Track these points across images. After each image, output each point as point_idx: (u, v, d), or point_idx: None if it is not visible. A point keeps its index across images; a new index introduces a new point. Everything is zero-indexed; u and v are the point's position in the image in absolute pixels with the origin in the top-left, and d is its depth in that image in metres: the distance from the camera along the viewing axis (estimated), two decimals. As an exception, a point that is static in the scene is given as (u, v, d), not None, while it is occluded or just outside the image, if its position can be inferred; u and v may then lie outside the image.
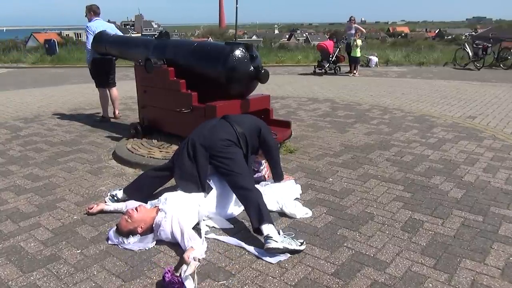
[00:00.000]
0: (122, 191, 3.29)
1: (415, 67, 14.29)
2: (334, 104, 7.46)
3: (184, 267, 2.23)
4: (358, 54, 11.98)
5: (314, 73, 12.20)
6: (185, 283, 2.15)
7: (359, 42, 11.77)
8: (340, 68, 12.18)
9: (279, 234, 2.61)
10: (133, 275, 2.37)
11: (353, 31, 11.95)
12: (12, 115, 6.82)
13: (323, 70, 11.92)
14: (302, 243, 2.60)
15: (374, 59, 14.29)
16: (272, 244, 2.48)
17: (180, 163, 3.06)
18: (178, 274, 2.19)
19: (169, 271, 2.22)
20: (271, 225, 2.61)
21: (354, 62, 11.99)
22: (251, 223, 2.72)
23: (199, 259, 2.36)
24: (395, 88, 9.37)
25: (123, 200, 3.22)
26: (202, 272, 2.37)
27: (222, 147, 3.00)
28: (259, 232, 2.62)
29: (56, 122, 6.28)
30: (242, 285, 2.27)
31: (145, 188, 3.24)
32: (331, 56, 11.85)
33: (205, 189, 2.98)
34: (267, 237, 2.52)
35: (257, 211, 2.67)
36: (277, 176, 3.44)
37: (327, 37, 41.47)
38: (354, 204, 3.28)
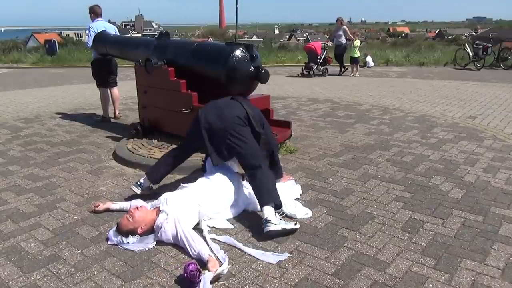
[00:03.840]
0: (146, 176, 3.37)
1: (415, 67, 14.29)
2: (334, 104, 7.46)
3: (209, 274, 2.27)
4: (357, 54, 11.94)
5: (302, 75, 11.87)
6: (204, 281, 2.22)
7: (357, 42, 11.74)
8: (327, 70, 11.94)
9: (276, 216, 2.81)
10: (133, 275, 2.37)
11: (340, 33, 11.63)
12: (13, 115, 6.83)
13: (310, 72, 11.62)
14: (296, 223, 2.82)
15: (370, 59, 14.27)
16: (271, 227, 2.67)
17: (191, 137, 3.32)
18: (202, 272, 2.25)
19: (195, 263, 2.27)
20: (270, 208, 2.79)
21: (353, 63, 11.96)
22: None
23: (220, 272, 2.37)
24: (395, 88, 9.37)
25: (148, 186, 3.33)
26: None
27: (235, 125, 3.10)
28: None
29: (56, 122, 6.29)
30: (243, 285, 2.28)
31: (162, 167, 3.38)
32: (319, 57, 11.67)
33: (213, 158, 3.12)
34: (266, 221, 2.71)
35: (259, 192, 2.89)
36: (276, 175, 3.44)
37: (327, 37, 41.41)
38: (354, 204, 3.28)
